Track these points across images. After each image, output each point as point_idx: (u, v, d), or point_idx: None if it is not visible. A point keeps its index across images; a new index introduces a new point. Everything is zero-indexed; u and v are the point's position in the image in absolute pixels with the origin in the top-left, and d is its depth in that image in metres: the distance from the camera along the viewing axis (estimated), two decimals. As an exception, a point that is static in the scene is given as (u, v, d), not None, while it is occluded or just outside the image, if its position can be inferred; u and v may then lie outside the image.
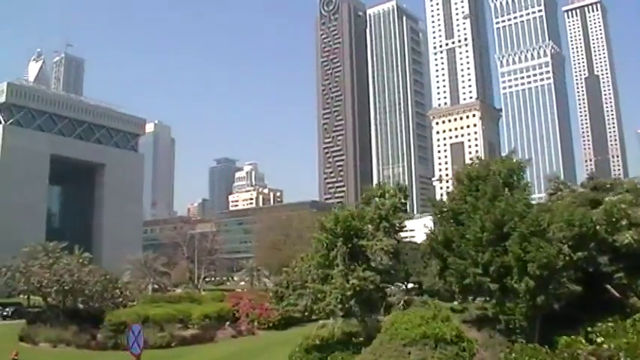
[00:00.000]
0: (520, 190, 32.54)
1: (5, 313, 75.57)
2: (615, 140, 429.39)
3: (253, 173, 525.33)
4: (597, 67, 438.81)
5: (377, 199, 37.94)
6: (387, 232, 35.58)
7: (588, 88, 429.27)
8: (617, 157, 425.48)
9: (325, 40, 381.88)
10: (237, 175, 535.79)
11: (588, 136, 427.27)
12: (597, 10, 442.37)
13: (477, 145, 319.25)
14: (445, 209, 35.79)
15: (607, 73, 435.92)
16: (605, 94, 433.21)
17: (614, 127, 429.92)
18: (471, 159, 37.75)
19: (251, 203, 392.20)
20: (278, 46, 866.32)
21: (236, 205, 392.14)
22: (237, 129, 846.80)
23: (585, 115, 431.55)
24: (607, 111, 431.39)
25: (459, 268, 30.74)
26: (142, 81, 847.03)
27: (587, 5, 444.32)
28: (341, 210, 35.63)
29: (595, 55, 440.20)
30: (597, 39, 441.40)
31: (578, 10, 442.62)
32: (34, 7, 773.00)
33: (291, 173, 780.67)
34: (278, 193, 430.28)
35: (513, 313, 29.34)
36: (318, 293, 33.89)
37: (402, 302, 50.86)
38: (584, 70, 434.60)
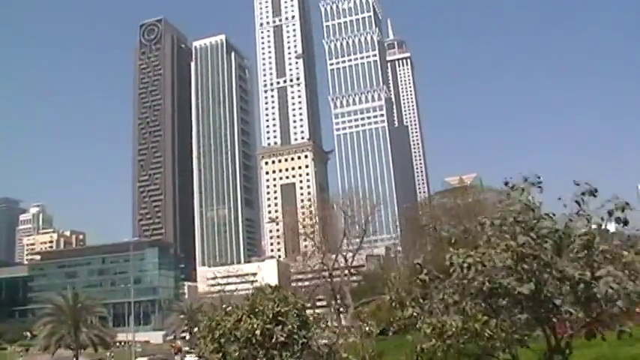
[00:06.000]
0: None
1: None
2: (424, 189, 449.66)
3: (41, 215, 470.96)
4: (406, 117, 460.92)
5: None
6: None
7: (398, 137, 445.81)
8: (425, 204, 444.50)
9: (145, 71, 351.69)
10: (22, 217, 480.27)
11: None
12: (407, 64, 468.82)
13: (309, 187, 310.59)
14: None
15: (415, 124, 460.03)
16: (413, 144, 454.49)
17: (422, 176, 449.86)
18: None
19: (51, 247, 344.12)
20: (87, 74, 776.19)
21: (33, 249, 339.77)
22: (25, 165, 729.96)
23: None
24: (415, 160, 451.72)
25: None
26: None
27: (398, 59, 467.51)
28: None
29: (404, 107, 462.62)
30: (407, 91, 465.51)
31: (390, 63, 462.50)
32: None
33: (93, 214, 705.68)
34: (81, 236, 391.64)
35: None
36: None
37: None
38: (393, 121, 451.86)
